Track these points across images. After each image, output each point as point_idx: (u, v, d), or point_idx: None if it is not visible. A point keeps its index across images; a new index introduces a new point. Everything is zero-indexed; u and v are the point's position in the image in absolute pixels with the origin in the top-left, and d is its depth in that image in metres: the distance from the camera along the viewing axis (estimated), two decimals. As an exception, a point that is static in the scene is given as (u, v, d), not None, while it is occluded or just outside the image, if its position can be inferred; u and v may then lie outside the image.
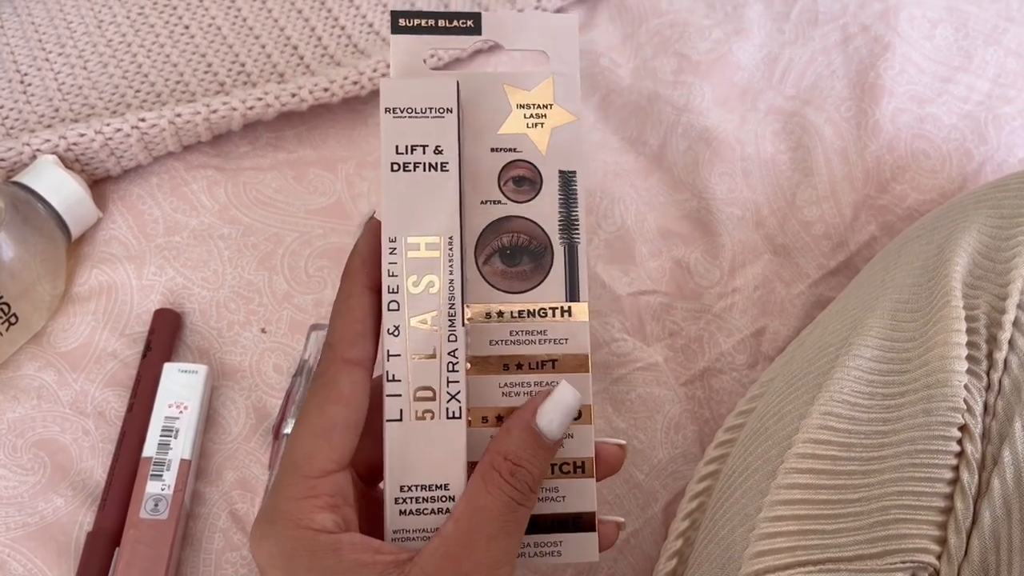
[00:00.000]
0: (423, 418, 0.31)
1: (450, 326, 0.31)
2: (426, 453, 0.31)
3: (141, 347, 0.47)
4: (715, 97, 0.54)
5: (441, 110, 0.32)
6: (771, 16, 0.57)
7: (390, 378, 0.31)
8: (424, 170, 0.32)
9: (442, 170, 0.32)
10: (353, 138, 0.54)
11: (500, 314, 0.34)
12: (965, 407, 0.31)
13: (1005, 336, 0.32)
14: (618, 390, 0.47)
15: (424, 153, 0.32)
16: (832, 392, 0.34)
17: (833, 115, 0.53)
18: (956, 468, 0.31)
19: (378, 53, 0.56)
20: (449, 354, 0.31)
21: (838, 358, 0.35)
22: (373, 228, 0.32)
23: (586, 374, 0.33)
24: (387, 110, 0.32)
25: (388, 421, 0.31)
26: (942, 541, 0.30)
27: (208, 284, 0.49)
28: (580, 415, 0.33)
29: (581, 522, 0.33)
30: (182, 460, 0.43)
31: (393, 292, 0.31)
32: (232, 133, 0.53)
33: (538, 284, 0.34)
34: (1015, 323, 0.33)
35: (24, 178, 0.48)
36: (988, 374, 0.32)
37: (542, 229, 0.34)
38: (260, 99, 0.52)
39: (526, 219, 0.34)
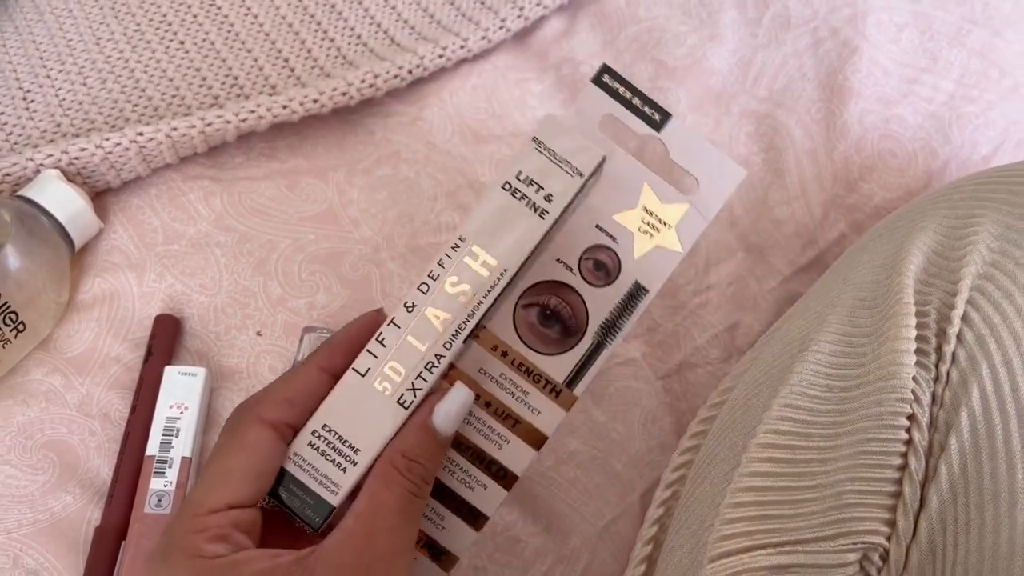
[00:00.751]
0: (380, 388, 0.33)
1: (453, 335, 0.33)
2: (362, 415, 0.32)
3: (143, 351, 0.49)
4: (691, 101, 0.56)
5: (574, 170, 0.34)
6: (744, 21, 0.59)
7: (379, 339, 0.33)
8: (527, 205, 0.34)
9: (541, 216, 0.34)
10: (343, 147, 0.56)
11: (504, 354, 0.35)
12: (913, 398, 0.33)
13: (953, 330, 0.34)
14: (597, 385, 0.49)
15: (536, 192, 0.34)
16: (792, 385, 0.36)
17: (803, 117, 0.55)
18: (904, 455, 0.33)
19: (366, 64, 0.58)
20: (435, 356, 0.33)
21: (799, 353, 0.37)
22: (367, 320, 0.34)
23: (534, 452, 0.36)
24: (534, 139, 0.34)
25: (353, 369, 0.33)
26: (891, 524, 0.32)
27: (206, 290, 0.51)
28: (506, 476, 0.35)
29: (474, 515, 0.35)
30: (183, 458, 0.45)
31: (432, 279, 0.33)
32: (227, 144, 0.55)
33: (552, 354, 0.36)
34: (963, 318, 0.35)
35: (29, 192, 0.50)
36: (937, 366, 0.34)
37: (588, 315, 0.36)
38: (253, 111, 0.54)
39: (581, 298, 0.36)
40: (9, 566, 0.43)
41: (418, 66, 0.58)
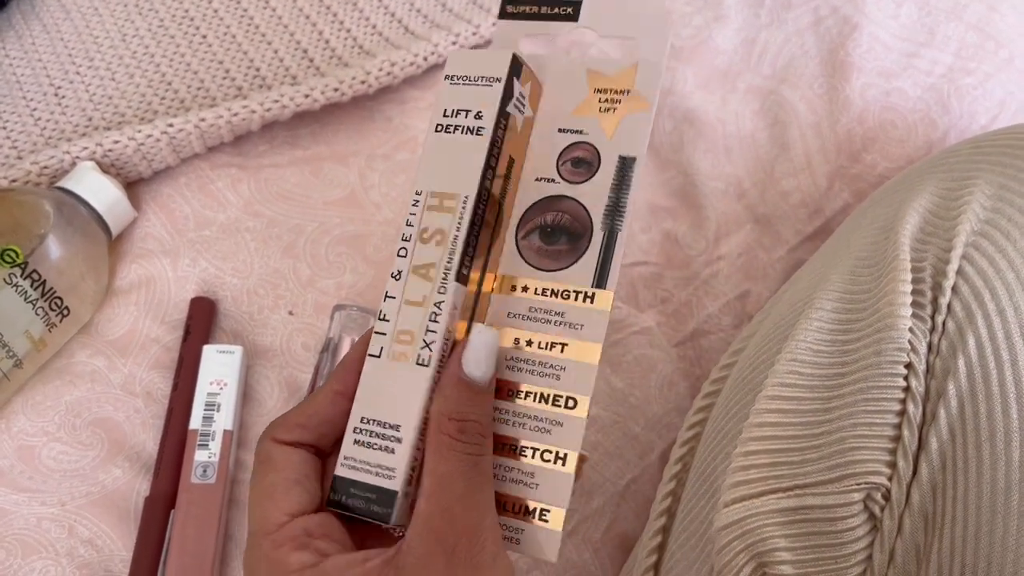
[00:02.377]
0: (397, 359, 0.32)
1: (443, 279, 0.32)
2: (390, 392, 0.32)
3: (181, 332, 0.51)
4: (697, 80, 0.59)
5: (490, 79, 0.33)
6: (748, 2, 0.61)
7: (381, 317, 0.33)
8: (462, 133, 0.33)
9: (476, 134, 0.33)
10: (363, 133, 0.59)
11: (524, 288, 0.34)
12: (910, 347, 0.35)
13: (948, 283, 0.36)
14: (615, 353, 0.52)
15: (466, 118, 0.33)
16: (797, 341, 0.38)
17: (807, 92, 0.57)
18: (903, 401, 0.35)
19: (382, 53, 0.60)
20: (435, 305, 0.32)
21: (804, 310, 0.39)
22: (364, 340, 0.34)
23: (593, 365, 0.33)
24: (447, 77, 0.34)
25: (368, 356, 0.32)
26: (892, 465, 0.34)
27: (238, 273, 0.53)
28: (576, 404, 0.33)
29: (548, 516, 0.32)
30: (225, 431, 0.47)
31: (405, 241, 0.33)
32: (251, 133, 0.58)
33: (568, 265, 0.34)
34: (959, 272, 0.37)
35: (67, 183, 0.52)
36: (933, 317, 0.36)
37: (587, 211, 0.34)
38: (276, 101, 0.57)
39: (574, 200, 0.34)
40: (65, 535, 0.46)
41: (432, 53, 0.60)
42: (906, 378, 0.35)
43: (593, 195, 0.34)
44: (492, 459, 0.32)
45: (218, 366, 0.49)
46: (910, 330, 0.35)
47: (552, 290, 0.34)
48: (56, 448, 0.48)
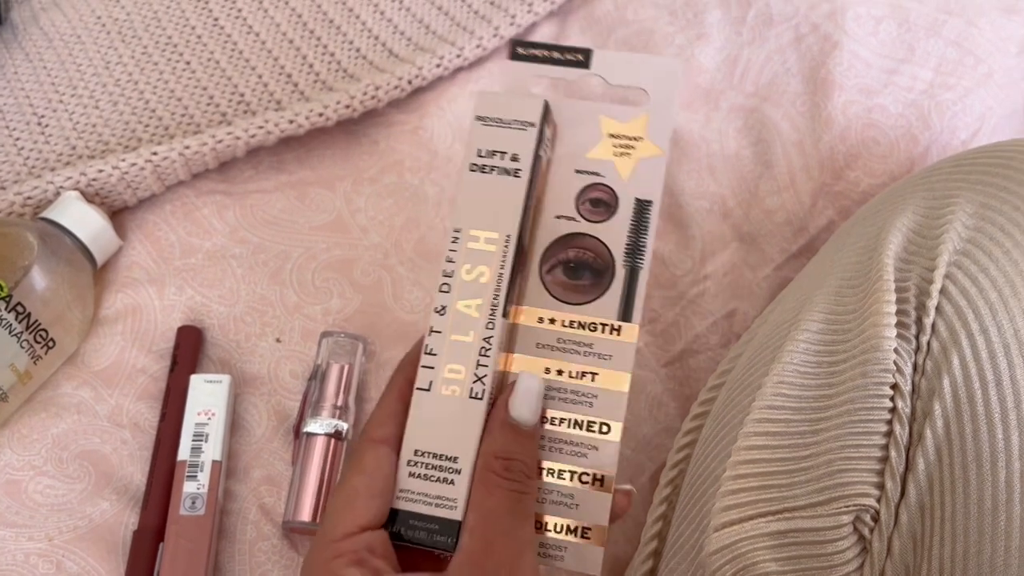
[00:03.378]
0: (449, 393, 0.34)
1: (491, 315, 0.34)
2: (444, 425, 0.34)
3: (168, 362, 0.51)
4: (681, 99, 0.59)
5: (524, 124, 0.36)
6: (729, 20, 0.61)
7: (427, 351, 0.34)
8: (499, 174, 0.35)
9: (515, 176, 0.35)
10: (349, 157, 0.59)
11: (552, 321, 0.36)
12: (895, 368, 0.35)
13: (932, 303, 0.36)
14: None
15: (502, 159, 0.36)
16: (784, 363, 0.38)
17: (789, 110, 0.57)
18: (889, 422, 0.35)
19: (366, 76, 0.60)
20: (484, 340, 0.34)
21: (790, 332, 0.40)
22: (414, 353, 0.35)
23: (623, 392, 0.35)
24: (478, 117, 0.36)
25: (417, 389, 0.34)
26: (880, 486, 0.34)
27: (224, 301, 0.53)
28: (610, 430, 0.35)
29: (590, 534, 0.34)
30: (213, 461, 0.47)
31: (447, 276, 0.35)
32: (237, 159, 0.58)
33: (594, 299, 0.36)
34: (942, 291, 0.37)
35: (51, 214, 0.52)
36: (917, 337, 0.36)
37: (608, 249, 0.36)
38: (261, 127, 0.57)
39: (595, 238, 0.37)
40: (53, 571, 0.45)
41: (417, 76, 0.60)
42: (892, 399, 0.35)
43: (613, 234, 0.36)
44: (535, 498, 0.34)
45: (206, 396, 0.49)
46: (895, 351, 0.36)
47: (579, 322, 0.36)
48: (43, 482, 0.47)
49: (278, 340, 0.52)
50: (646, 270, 0.36)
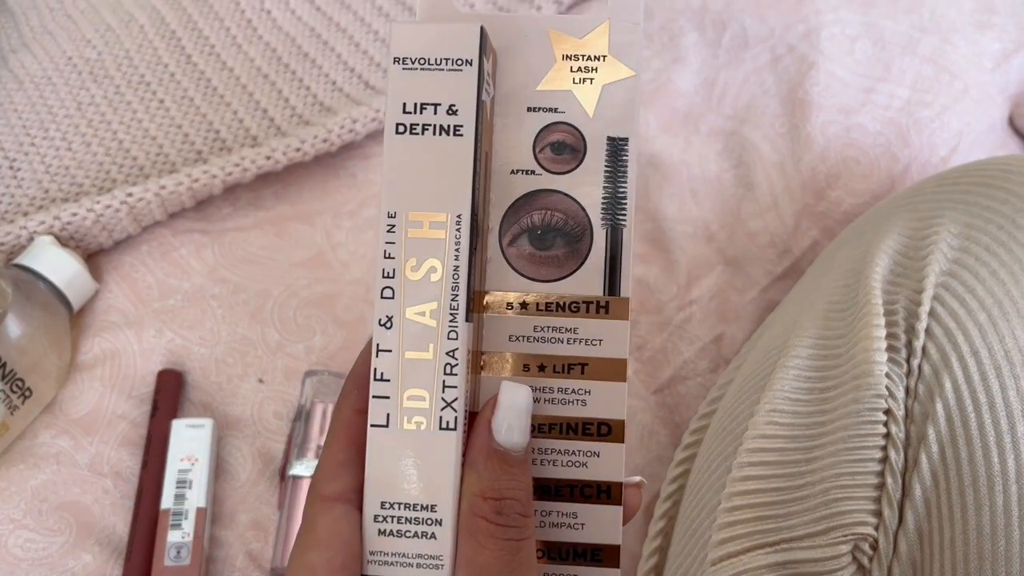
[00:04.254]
0: (412, 426, 0.27)
1: (451, 321, 0.27)
2: (413, 467, 0.27)
3: (148, 407, 0.50)
4: (660, 124, 0.59)
5: (460, 62, 0.27)
6: (705, 43, 0.61)
7: (378, 377, 0.27)
8: (434, 134, 0.27)
9: (455, 134, 0.27)
10: (327, 191, 0.58)
11: (524, 305, 0.29)
12: (888, 393, 0.35)
13: (922, 326, 0.36)
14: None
15: (435, 113, 0.27)
16: (775, 391, 0.38)
17: (769, 132, 0.57)
18: (884, 448, 0.35)
19: (343, 109, 0.60)
20: (448, 354, 0.27)
21: (780, 359, 0.39)
22: (368, 350, 0.28)
23: (622, 383, 0.29)
24: (396, 60, 0.28)
25: (372, 427, 0.27)
26: (878, 514, 0.34)
27: (205, 342, 0.52)
28: (611, 430, 0.29)
29: (602, 555, 0.29)
30: (198, 509, 0.46)
31: (388, 277, 0.27)
32: (214, 196, 0.57)
33: (572, 272, 0.29)
34: (931, 313, 0.37)
35: (24, 260, 0.51)
36: (908, 361, 0.36)
37: (581, 207, 0.29)
38: (237, 165, 0.56)
39: (563, 194, 0.29)
40: (34, 627, 0.44)
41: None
42: (886, 424, 0.35)
43: (584, 186, 0.29)
44: (534, 542, 0.28)
45: (188, 441, 0.48)
46: (887, 375, 0.35)
47: (557, 303, 0.29)
48: (23, 536, 0.46)
49: (261, 380, 0.52)
50: (631, 228, 0.29)
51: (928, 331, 0.36)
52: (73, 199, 0.56)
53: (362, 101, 0.60)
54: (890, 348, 0.36)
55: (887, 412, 0.35)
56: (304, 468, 0.47)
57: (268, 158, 0.56)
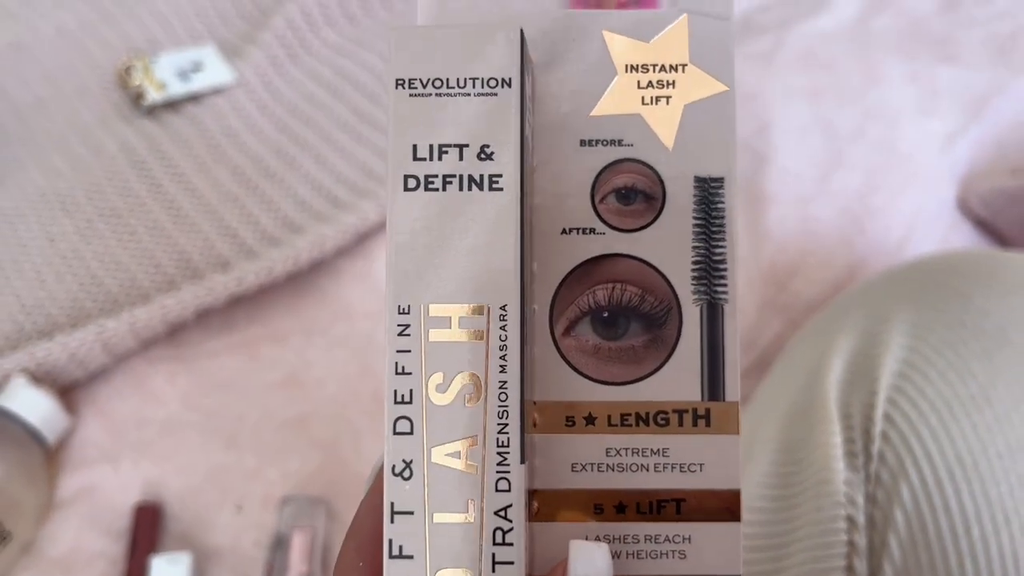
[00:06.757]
0: None
1: (500, 463, 0.19)
2: None
3: (126, 542, 0.50)
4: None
5: (493, 82, 0.19)
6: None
7: (395, 553, 0.19)
8: (460, 188, 0.19)
9: (492, 187, 0.19)
10: (298, 309, 0.59)
11: (591, 419, 0.21)
12: (847, 501, 0.35)
13: (877, 430, 0.37)
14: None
15: (462, 159, 0.19)
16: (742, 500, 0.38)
17: (727, 226, 0.59)
18: (848, 556, 0.35)
19: (313, 228, 0.61)
20: (498, 514, 0.19)
21: (746, 464, 0.40)
22: (377, 489, 0.20)
23: (735, 523, 0.21)
24: (399, 83, 0.20)
25: None
26: (847, 627, 0.34)
27: (182, 472, 0.53)
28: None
29: None
30: (178, 647, 0.46)
31: (403, 403, 0.19)
32: (186, 322, 0.58)
33: (656, 370, 0.21)
34: (885, 416, 0.37)
35: (-1, 401, 0.51)
36: (866, 467, 0.36)
37: (664, 276, 0.22)
38: (209, 291, 0.57)
39: (637, 259, 0.22)
40: None
41: (363, 222, 0.61)
42: (848, 531, 0.35)
43: (665, 248, 0.21)
44: None
45: (167, 577, 0.48)
46: (846, 482, 0.36)
47: (637, 415, 0.21)
48: None
49: (239, 508, 0.52)
50: (734, 302, 0.21)
51: (883, 435, 0.37)
52: (47, 334, 0.57)
53: (330, 218, 0.62)
54: (848, 454, 0.37)
55: (849, 519, 0.35)
56: (283, 598, 0.47)
57: (239, 283, 0.57)
